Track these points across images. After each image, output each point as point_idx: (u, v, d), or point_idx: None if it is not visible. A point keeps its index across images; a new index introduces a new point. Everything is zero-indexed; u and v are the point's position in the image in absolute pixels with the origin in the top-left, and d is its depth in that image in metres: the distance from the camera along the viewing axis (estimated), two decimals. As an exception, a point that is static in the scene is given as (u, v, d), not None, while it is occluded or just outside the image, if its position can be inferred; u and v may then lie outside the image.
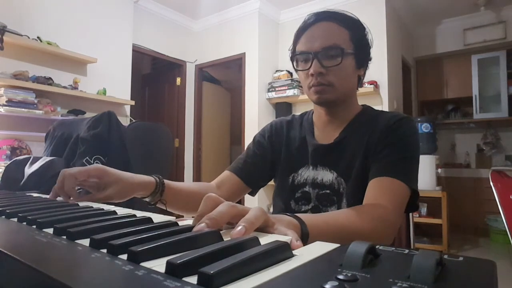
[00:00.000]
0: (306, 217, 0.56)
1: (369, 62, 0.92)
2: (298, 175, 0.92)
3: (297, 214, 0.54)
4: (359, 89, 0.95)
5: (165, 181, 0.79)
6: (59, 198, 0.67)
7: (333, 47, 0.82)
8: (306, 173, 0.91)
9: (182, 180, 4.42)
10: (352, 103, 0.92)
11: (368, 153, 0.83)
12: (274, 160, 0.99)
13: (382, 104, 3.55)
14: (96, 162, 1.38)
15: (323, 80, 0.83)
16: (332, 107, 0.90)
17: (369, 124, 0.87)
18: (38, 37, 2.86)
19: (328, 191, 0.87)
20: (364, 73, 0.92)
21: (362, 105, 0.96)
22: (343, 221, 0.64)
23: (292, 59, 0.90)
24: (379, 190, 0.75)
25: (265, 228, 0.45)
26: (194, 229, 0.39)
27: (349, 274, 0.24)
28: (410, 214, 1.05)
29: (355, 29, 0.86)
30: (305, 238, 0.53)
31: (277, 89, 4.00)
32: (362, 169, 0.82)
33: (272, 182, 1.03)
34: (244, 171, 0.96)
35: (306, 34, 0.86)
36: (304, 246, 0.52)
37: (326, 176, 0.88)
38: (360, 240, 0.64)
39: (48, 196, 0.71)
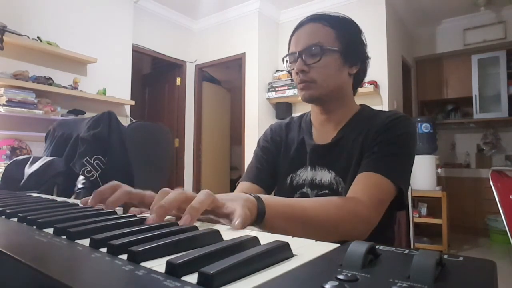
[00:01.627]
0: (267, 197, 0.58)
1: (367, 61, 0.92)
2: (297, 176, 0.93)
3: (260, 195, 0.56)
4: (359, 89, 0.95)
5: None
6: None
7: (314, 45, 0.84)
8: (305, 174, 0.91)
9: (182, 180, 4.42)
10: (348, 102, 0.93)
11: (364, 151, 0.83)
12: (277, 161, 0.99)
13: (382, 104, 3.55)
14: (96, 162, 1.38)
15: (306, 77, 0.85)
16: (321, 104, 0.91)
17: (366, 123, 0.87)
18: (38, 37, 2.86)
19: (327, 191, 0.87)
20: (359, 72, 0.91)
21: (361, 105, 0.96)
22: (308, 208, 0.65)
23: (284, 61, 0.93)
24: (361, 185, 0.75)
25: (215, 209, 0.48)
26: (146, 222, 0.42)
27: (349, 274, 0.24)
28: (410, 214, 1.05)
29: (342, 27, 0.87)
30: (261, 215, 0.55)
31: (277, 89, 4.00)
32: (359, 168, 0.82)
33: None
34: (259, 177, 0.96)
35: (294, 36, 0.90)
36: (259, 224, 0.55)
37: (325, 176, 0.88)
38: (324, 229, 0.65)
39: (48, 196, 0.71)
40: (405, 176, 0.79)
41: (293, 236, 0.35)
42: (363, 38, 0.91)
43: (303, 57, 0.85)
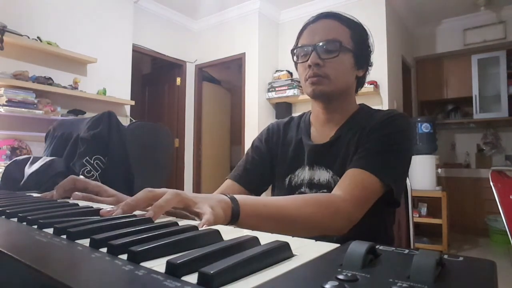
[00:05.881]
0: (242, 197, 0.60)
1: (370, 66, 0.93)
2: (295, 176, 0.93)
3: (236, 195, 0.59)
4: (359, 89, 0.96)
5: None
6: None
7: (332, 41, 0.84)
8: (303, 174, 0.91)
9: (182, 180, 4.42)
10: (350, 103, 0.93)
11: (358, 149, 0.83)
12: (272, 162, 0.99)
13: (382, 104, 3.55)
14: (96, 162, 1.38)
15: (320, 72, 0.85)
16: (327, 102, 0.90)
17: (363, 122, 0.87)
18: (38, 37, 2.86)
19: (325, 191, 0.87)
20: (364, 76, 0.93)
21: (360, 104, 0.96)
22: (283, 206, 0.66)
23: (292, 53, 0.92)
24: (346, 181, 0.75)
25: (186, 208, 0.51)
26: (105, 213, 0.47)
27: (349, 274, 0.24)
28: (410, 214, 1.05)
29: (356, 29, 0.88)
30: (236, 216, 0.57)
31: (277, 89, 3.99)
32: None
33: None
34: (244, 178, 0.96)
35: (308, 29, 0.89)
36: (235, 223, 0.58)
37: (323, 175, 0.88)
38: (300, 226, 0.68)
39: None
40: (394, 173, 0.78)
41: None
42: (371, 43, 0.91)
43: (318, 51, 0.84)
